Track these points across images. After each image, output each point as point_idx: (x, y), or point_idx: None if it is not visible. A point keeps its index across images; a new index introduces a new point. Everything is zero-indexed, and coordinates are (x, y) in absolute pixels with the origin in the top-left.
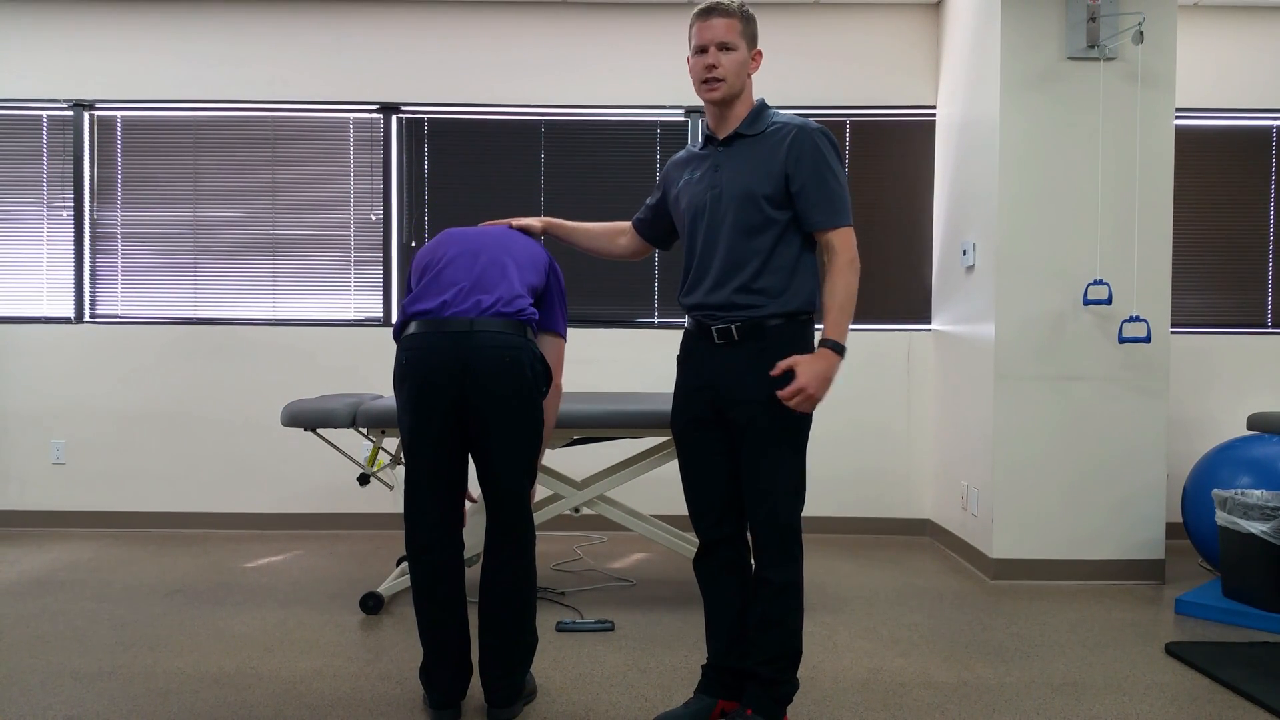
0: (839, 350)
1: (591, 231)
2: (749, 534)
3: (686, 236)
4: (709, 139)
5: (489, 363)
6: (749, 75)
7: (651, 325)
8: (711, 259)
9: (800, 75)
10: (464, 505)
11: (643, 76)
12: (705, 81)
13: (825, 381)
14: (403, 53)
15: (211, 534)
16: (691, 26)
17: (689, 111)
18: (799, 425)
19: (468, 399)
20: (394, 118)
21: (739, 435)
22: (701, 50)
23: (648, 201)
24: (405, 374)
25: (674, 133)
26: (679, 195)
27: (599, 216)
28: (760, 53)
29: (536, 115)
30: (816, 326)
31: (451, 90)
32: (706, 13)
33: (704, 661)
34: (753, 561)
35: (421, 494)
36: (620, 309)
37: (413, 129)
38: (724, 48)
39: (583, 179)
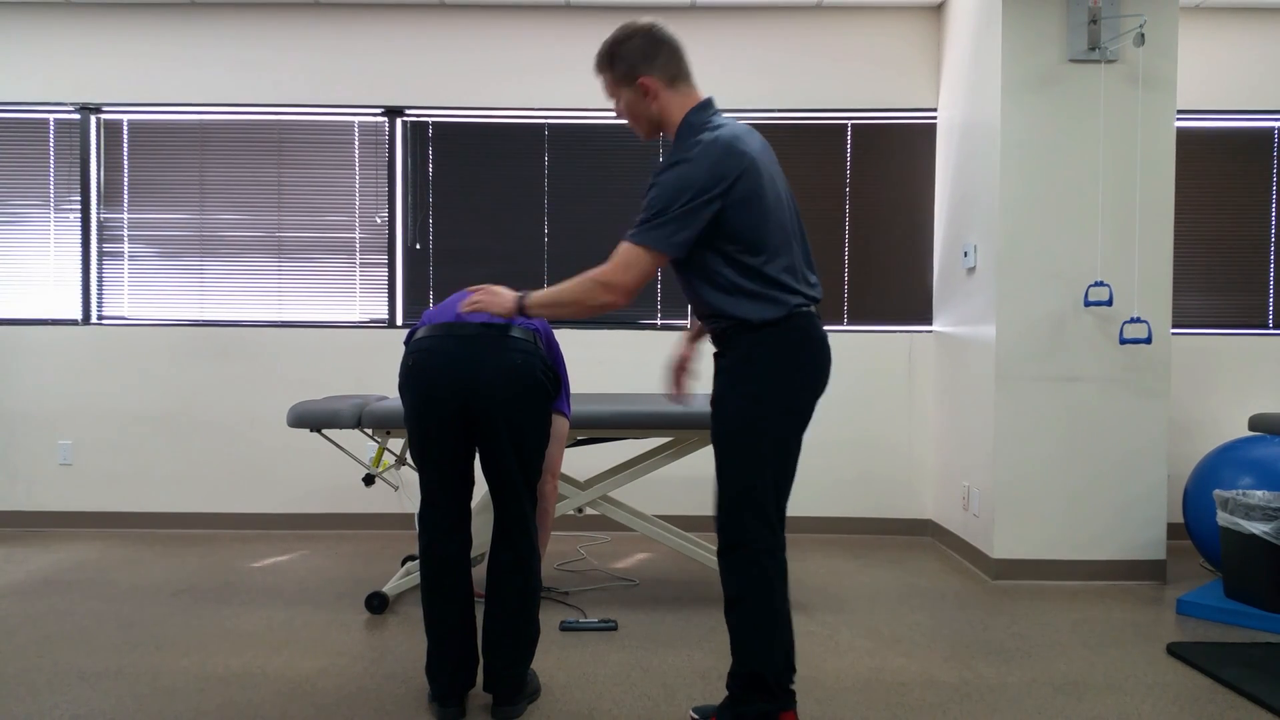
0: (520, 304)
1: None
2: None
3: None
4: None
5: (498, 361)
6: (651, 105)
7: (654, 326)
8: None
9: (801, 78)
10: (470, 503)
11: None
12: None
13: (494, 298)
14: (407, 56)
15: (217, 534)
16: None
17: None
18: (734, 436)
19: (473, 398)
20: (399, 121)
21: None
22: None
23: None
24: (410, 375)
25: None
26: None
27: (602, 219)
28: (644, 79)
29: (540, 118)
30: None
31: (456, 93)
32: None
33: None
34: None
35: (431, 493)
36: (623, 310)
37: (417, 132)
38: (616, 101)
39: (586, 181)
